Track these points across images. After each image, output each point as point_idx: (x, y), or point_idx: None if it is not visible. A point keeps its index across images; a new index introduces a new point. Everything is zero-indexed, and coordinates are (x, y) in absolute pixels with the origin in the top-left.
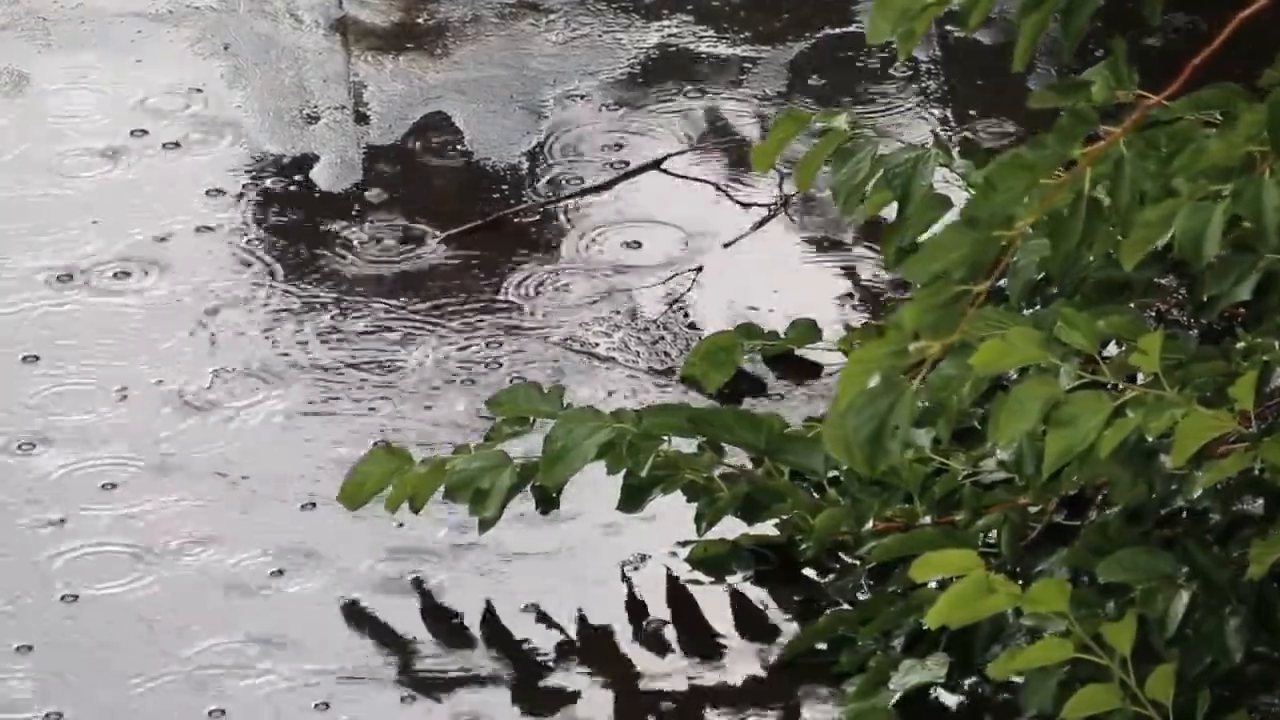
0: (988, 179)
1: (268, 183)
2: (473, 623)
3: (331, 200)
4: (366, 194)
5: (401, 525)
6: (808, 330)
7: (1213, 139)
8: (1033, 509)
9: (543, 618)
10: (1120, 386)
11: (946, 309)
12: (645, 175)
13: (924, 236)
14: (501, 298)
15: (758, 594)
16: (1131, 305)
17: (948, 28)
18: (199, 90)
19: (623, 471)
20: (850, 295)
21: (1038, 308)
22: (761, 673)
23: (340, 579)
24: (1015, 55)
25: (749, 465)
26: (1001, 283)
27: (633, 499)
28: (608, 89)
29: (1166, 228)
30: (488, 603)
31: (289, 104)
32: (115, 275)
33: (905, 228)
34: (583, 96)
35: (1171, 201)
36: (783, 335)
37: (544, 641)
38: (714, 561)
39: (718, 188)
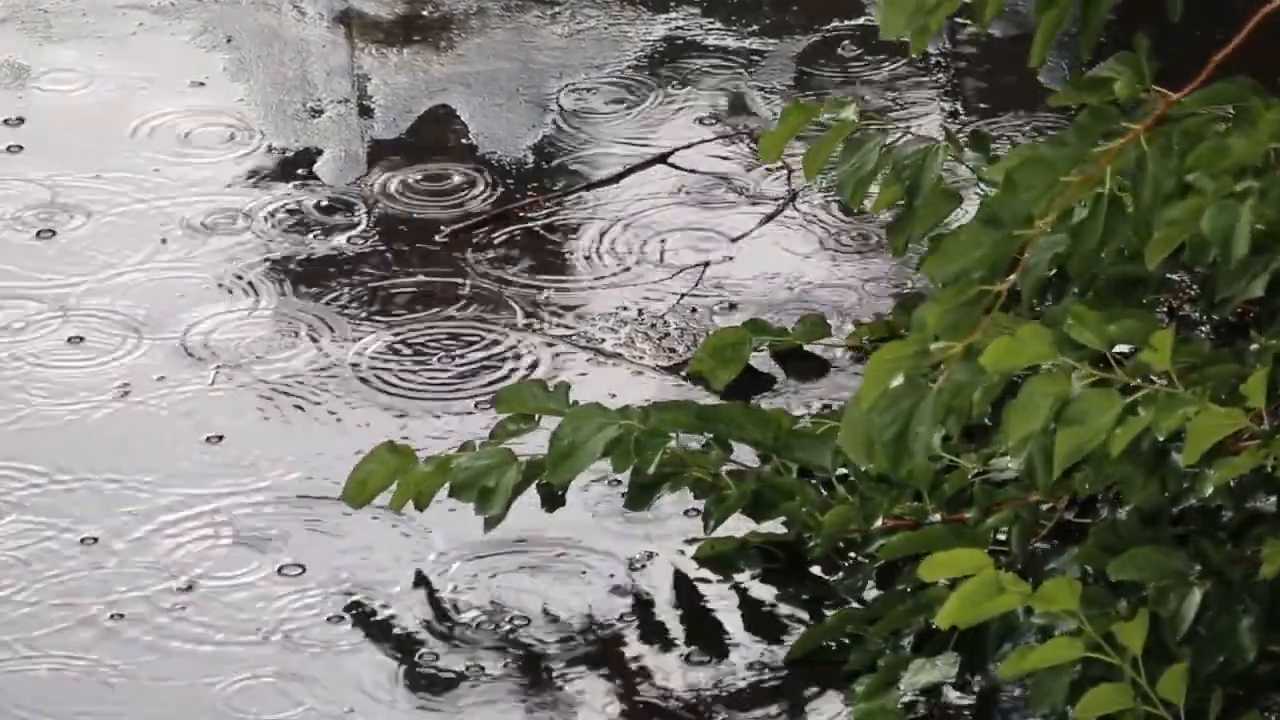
0: (1009, 177)
1: (271, 177)
2: (474, 621)
3: (335, 195)
4: (370, 188)
5: (402, 517)
6: (816, 326)
7: (1235, 137)
8: (1043, 507)
9: (547, 616)
10: (1131, 384)
11: (968, 309)
12: (652, 169)
13: (934, 230)
14: (506, 293)
15: (765, 592)
16: (1144, 302)
17: (959, 20)
18: (201, 84)
19: (629, 469)
20: (859, 290)
21: (1049, 304)
22: (769, 671)
23: (336, 576)
24: (1033, 51)
25: (757, 462)
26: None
27: (640, 497)
28: (614, 82)
29: (1191, 226)
30: (490, 601)
31: (292, 97)
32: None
33: (913, 220)
34: (589, 90)
35: (1196, 199)
36: (791, 331)
37: (548, 639)
38: (721, 559)
39: (727, 182)
